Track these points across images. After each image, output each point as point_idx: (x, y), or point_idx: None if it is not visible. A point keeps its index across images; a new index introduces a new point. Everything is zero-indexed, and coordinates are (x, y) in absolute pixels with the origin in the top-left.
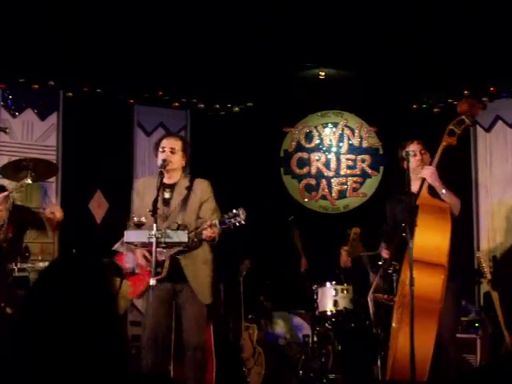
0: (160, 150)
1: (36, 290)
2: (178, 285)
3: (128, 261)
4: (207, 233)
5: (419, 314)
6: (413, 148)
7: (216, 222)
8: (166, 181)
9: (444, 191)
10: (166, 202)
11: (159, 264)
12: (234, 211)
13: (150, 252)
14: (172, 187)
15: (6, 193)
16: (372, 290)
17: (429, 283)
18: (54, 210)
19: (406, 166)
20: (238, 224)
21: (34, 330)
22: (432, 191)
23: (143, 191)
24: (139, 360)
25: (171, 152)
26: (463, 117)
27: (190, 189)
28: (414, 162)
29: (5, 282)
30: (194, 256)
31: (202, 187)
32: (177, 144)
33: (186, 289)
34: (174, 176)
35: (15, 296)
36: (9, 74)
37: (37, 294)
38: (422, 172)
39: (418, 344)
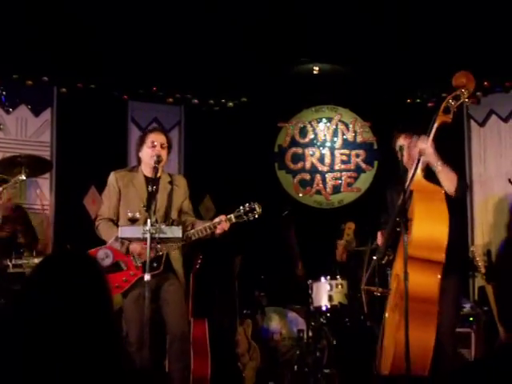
0: (149, 144)
1: (30, 285)
2: (161, 278)
3: (103, 257)
4: (224, 226)
5: (418, 315)
6: (402, 143)
7: (232, 216)
8: (149, 175)
9: (440, 165)
10: (152, 196)
11: (155, 259)
12: (249, 205)
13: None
14: (155, 181)
15: None
16: (364, 281)
17: (425, 283)
18: None
19: (400, 158)
20: (252, 218)
21: (28, 326)
22: (427, 174)
23: (121, 185)
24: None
25: (162, 147)
26: (459, 91)
27: (172, 184)
28: (405, 156)
29: None
30: (177, 250)
31: (183, 183)
32: (165, 140)
33: (169, 281)
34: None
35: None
36: (2, 70)
37: (31, 289)
38: (416, 147)
39: (419, 341)
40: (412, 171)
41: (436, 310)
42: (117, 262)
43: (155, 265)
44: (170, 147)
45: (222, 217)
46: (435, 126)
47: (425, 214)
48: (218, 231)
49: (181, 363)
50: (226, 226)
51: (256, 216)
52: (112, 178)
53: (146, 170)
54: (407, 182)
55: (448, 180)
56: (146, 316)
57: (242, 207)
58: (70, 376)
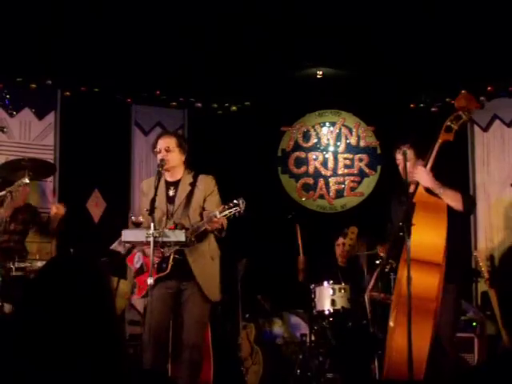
0: (156, 151)
1: (33, 289)
2: (184, 282)
3: (137, 261)
4: (212, 225)
5: (414, 313)
6: (405, 149)
7: (216, 213)
8: (169, 179)
9: (441, 190)
10: (171, 200)
11: (164, 259)
12: (234, 201)
13: (157, 248)
14: (176, 184)
15: (2, 192)
16: (369, 288)
17: (424, 282)
18: (55, 207)
19: (402, 167)
20: (237, 214)
21: (31, 329)
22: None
23: (147, 191)
24: (140, 358)
25: (166, 151)
26: (460, 112)
27: (193, 185)
28: (409, 167)
29: None
30: (200, 251)
31: (206, 182)
32: (171, 142)
33: (191, 286)
34: (176, 173)
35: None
36: (6, 73)
37: (34, 293)
38: (414, 175)
39: (414, 344)
40: (415, 184)
41: (433, 309)
42: (142, 264)
43: (164, 266)
44: (180, 147)
45: (208, 216)
46: (436, 147)
47: (424, 223)
48: (208, 227)
49: (187, 372)
50: (211, 225)
51: (240, 211)
52: (141, 186)
53: (166, 174)
54: (411, 191)
55: (453, 201)
56: (157, 319)
57: (228, 203)
58: (72, 379)
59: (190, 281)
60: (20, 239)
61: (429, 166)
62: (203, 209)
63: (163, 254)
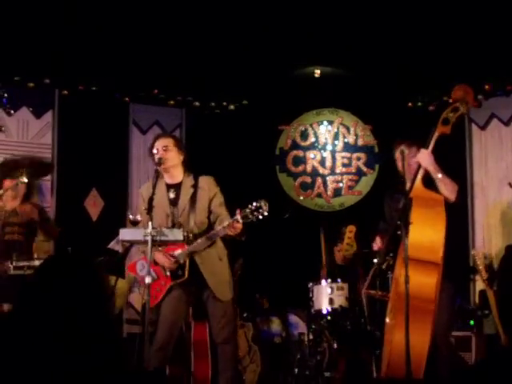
0: (154, 152)
1: (30, 287)
2: (199, 286)
3: (141, 268)
4: (235, 231)
5: (413, 313)
6: (403, 148)
7: (238, 217)
8: (169, 181)
9: (440, 175)
10: (173, 203)
11: (180, 266)
12: (256, 204)
13: (168, 252)
14: (176, 187)
15: (0, 191)
16: (366, 285)
17: (422, 282)
18: None
19: (400, 166)
20: (261, 217)
21: (28, 328)
22: (427, 182)
23: (146, 197)
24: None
25: (164, 150)
26: (457, 104)
27: (195, 186)
28: (405, 165)
29: None
30: (208, 254)
31: (209, 183)
32: (168, 142)
33: (207, 288)
34: (175, 175)
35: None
36: (4, 72)
37: (31, 291)
38: (417, 156)
39: (414, 343)
40: (412, 178)
41: (432, 309)
42: (152, 272)
43: (180, 272)
44: (178, 147)
45: (229, 221)
46: (434, 136)
47: (422, 219)
48: (230, 233)
49: (222, 365)
50: (235, 227)
51: (264, 214)
52: (140, 191)
53: (165, 176)
54: (408, 187)
55: (448, 189)
56: (172, 320)
57: (249, 206)
58: (68, 377)
59: (204, 283)
60: (23, 231)
61: None
62: (210, 211)
63: (177, 261)
